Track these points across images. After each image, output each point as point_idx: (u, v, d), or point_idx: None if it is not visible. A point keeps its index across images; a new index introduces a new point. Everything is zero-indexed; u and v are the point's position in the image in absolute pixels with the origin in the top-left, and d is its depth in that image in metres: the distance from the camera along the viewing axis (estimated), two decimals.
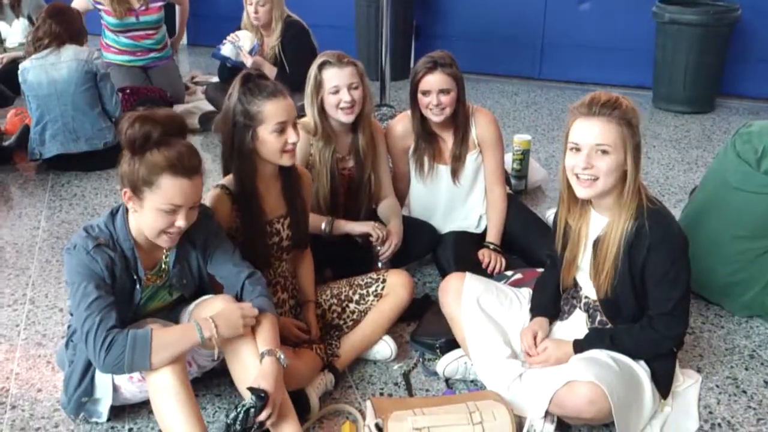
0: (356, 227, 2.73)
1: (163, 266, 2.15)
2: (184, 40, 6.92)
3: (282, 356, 2.02)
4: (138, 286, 2.08)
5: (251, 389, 1.93)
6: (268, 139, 2.24)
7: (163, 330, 1.97)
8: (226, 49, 4.32)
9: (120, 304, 2.02)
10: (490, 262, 2.86)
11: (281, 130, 2.23)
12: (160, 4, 4.91)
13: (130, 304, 2.08)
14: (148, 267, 2.12)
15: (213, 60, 6.16)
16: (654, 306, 2.11)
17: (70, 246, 2.02)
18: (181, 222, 1.99)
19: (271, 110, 2.22)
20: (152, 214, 1.98)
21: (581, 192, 2.08)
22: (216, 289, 2.27)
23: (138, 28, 4.89)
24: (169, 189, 1.94)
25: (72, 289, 2.00)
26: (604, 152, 2.01)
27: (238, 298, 2.14)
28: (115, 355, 1.91)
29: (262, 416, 1.91)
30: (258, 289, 2.14)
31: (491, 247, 2.92)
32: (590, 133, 2.03)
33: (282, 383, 2.01)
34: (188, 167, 1.96)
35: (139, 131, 1.93)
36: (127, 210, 2.06)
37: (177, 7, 5.32)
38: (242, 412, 1.89)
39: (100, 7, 4.81)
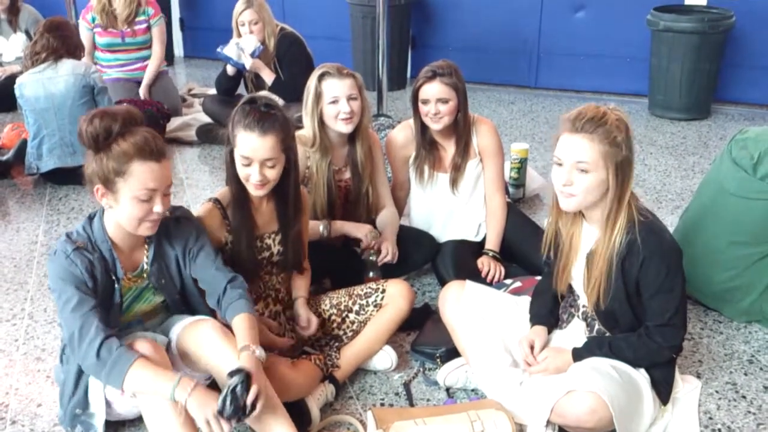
0: (353, 229, 2.75)
1: (145, 266, 2.16)
2: (180, 53, 6.96)
3: (257, 351, 2.01)
4: (116, 286, 2.09)
5: (230, 373, 1.92)
6: (237, 164, 2.26)
7: (146, 363, 1.94)
8: (229, 49, 4.36)
9: (103, 306, 2.04)
10: (489, 271, 2.86)
11: (246, 163, 2.23)
12: (144, 26, 4.93)
13: (112, 305, 2.09)
14: (130, 269, 2.14)
15: (210, 72, 6.23)
16: (651, 317, 2.10)
17: (52, 252, 2.06)
18: (158, 207, 2.01)
19: (241, 141, 2.21)
20: (129, 203, 2.00)
21: (563, 204, 2.10)
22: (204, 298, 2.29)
23: (124, 49, 4.93)
24: (141, 174, 1.97)
25: (55, 296, 2.04)
26: (584, 170, 2.01)
27: (219, 302, 2.15)
28: (97, 364, 1.94)
29: (251, 394, 1.89)
30: (238, 292, 2.15)
31: (490, 254, 2.92)
32: (572, 149, 2.02)
33: (263, 375, 2.00)
34: (156, 151, 1.99)
35: (100, 126, 1.96)
36: (103, 212, 2.08)
37: (152, 54, 5.02)
38: (229, 392, 1.87)
39: (96, 29, 4.85)
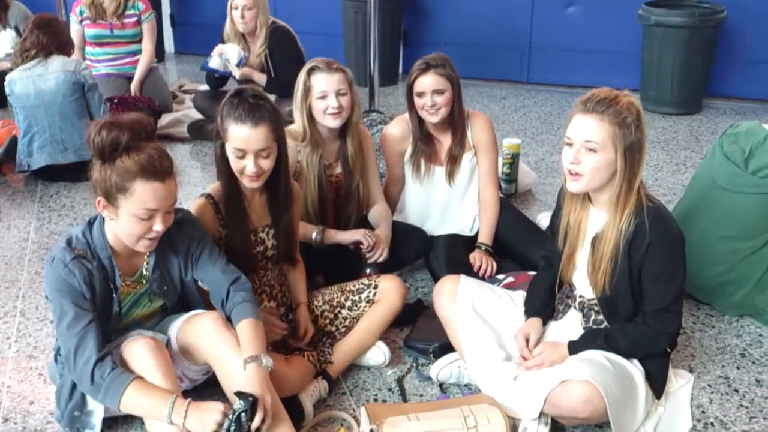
0: (347, 236, 2.74)
1: (144, 272, 2.15)
2: (171, 49, 6.94)
3: (265, 360, 2.01)
4: (114, 295, 2.08)
5: (238, 394, 1.91)
6: (230, 158, 2.25)
7: (141, 386, 1.93)
8: (214, 62, 4.34)
9: (101, 315, 2.03)
10: (481, 266, 2.86)
11: (240, 156, 2.22)
12: (134, 20, 4.90)
13: (110, 313, 2.09)
14: (128, 274, 2.12)
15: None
16: (650, 302, 2.12)
17: (50, 258, 2.03)
18: (158, 226, 1.98)
19: (234, 134, 2.21)
20: (129, 221, 1.97)
21: (570, 186, 2.11)
22: (205, 298, 2.27)
23: (113, 42, 4.90)
24: (143, 194, 1.94)
25: (51, 307, 2.02)
26: (592, 150, 2.03)
27: (223, 304, 2.14)
28: (91, 388, 1.94)
29: (256, 421, 1.88)
30: (241, 294, 2.13)
31: (483, 248, 2.93)
32: (581, 129, 2.04)
33: (270, 386, 2.00)
34: (160, 170, 1.95)
35: (107, 138, 1.93)
36: (104, 219, 2.05)
37: (142, 50, 4.99)
38: (234, 419, 1.87)
39: (85, 22, 4.83)
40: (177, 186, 2.04)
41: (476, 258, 2.90)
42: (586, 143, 2.03)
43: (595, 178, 2.06)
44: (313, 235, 2.70)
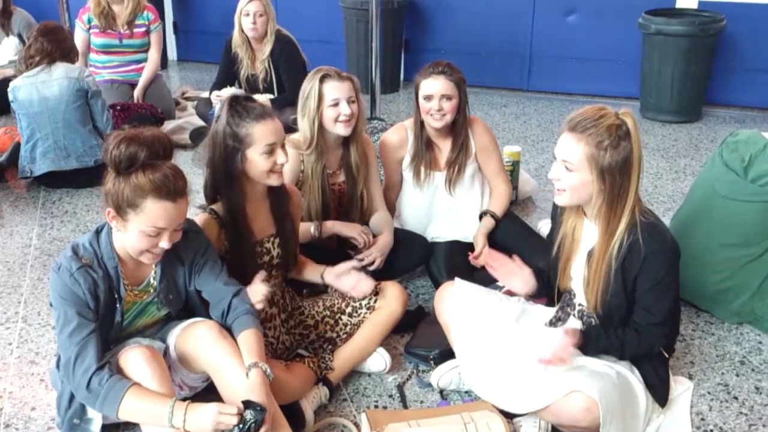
0: (345, 228, 2.76)
1: (152, 281, 2.16)
2: (174, 56, 6.96)
3: (268, 369, 2.02)
4: (118, 306, 2.09)
5: (247, 402, 1.91)
6: (257, 161, 2.26)
7: (139, 393, 1.94)
8: (219, 110, 4.34)
9: (103, 324, 2.04)
10: (479, 256, 2.87)
11: (270, 151, 2.25)
12: (143, 30, 4.93)
13: (113, 322, 2.09)
14: (136, 283, 2.14)
15: (204, 75, 6.23)
16: (641, 314, 2.12)
17: (56, 266, 2.04)
18: (164, 243, 2.00)
19: (260, 132, 2.24)
20: (136, 235, 1.99)
21: (555, 198, 2.15)
22: (207, 307, 2.28)
23: (121, 51, 4.92)
24: (153, 212, 1.95)
25: (55, 313, 2.03)
26: (568, 169, 2.05)
27: (224, 315, 2.15)
28: (89, 395, 1.95)
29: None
30: (245, 306, 2.15)
31: (489, 215, 2.96)
32: (561, 147, 2.08)
33: (271, 395, 2.01)
34: (173, 191, 1.96)
35: (125, 153, 1.93)
36: (111, 228, 2.06)
37: (148, 59, 5.02)
38: (245, 429, 1.86)
39: (92, 30, 4.85)
40: (188, 204, 2.04)
41: (478, 242, 2.91)
42: (563, 162, 2.06)
43: (575, 195, 2.08)
44: (311, 230, 2.71)
